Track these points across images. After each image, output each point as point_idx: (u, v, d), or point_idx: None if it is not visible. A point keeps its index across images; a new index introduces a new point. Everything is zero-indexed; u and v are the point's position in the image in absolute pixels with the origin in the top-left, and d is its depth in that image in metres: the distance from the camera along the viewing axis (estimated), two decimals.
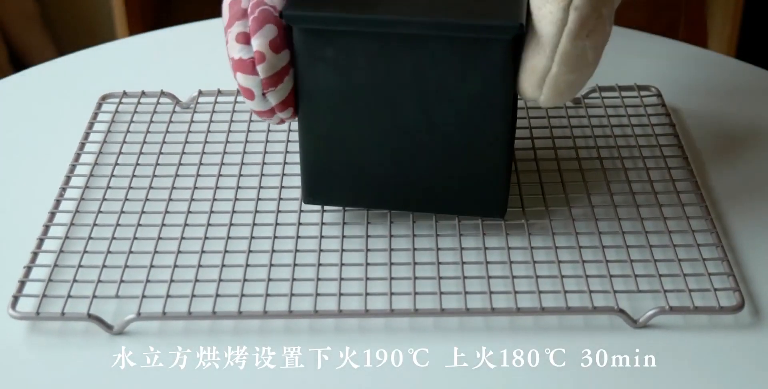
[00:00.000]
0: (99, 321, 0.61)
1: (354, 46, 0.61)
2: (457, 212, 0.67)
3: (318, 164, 0.66)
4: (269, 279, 0.63)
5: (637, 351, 0.60)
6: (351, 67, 0.62)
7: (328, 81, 0.63)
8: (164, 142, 0.76)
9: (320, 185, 0.67)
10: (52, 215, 0.69)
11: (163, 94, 0.81)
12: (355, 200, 0.67)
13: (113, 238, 0.67)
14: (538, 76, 0.61)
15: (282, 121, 0.65)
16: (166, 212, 0.69)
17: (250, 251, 0.65)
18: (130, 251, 0.65)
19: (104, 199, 0.70)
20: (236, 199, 0.70)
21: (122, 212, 0.69)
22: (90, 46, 0.92)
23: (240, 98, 0.81)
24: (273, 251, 0.65)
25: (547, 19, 0.59)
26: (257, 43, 0.61)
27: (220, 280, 0.63)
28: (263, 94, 0.62)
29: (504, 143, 0.64)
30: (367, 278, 0.63)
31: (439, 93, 0.62)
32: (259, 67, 0.61)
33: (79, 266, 0.64)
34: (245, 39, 0.61)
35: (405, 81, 0.62)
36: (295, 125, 0.78)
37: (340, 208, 0.69)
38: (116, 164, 0.74)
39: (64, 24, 1.84)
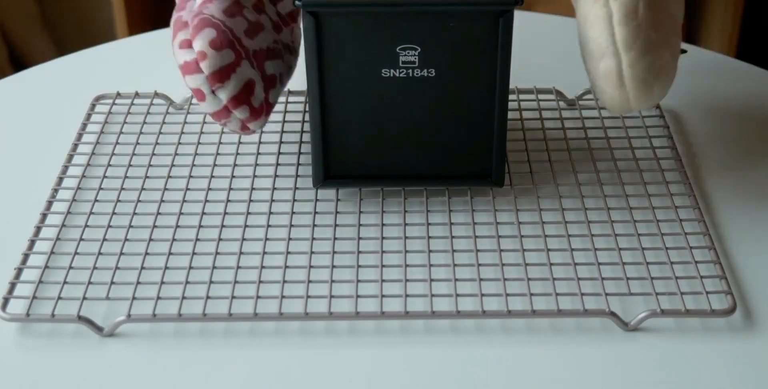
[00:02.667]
0: (89, 322, 0.61)
1: (364, 22, 0.64)
2: (458, 180, 0.70)
3: (334, 144, 0.68)
4: (260, 281, 0.63)
5: (629, 354, 0.59)
6: (363, 40, 0.64)
7: (346, 60, 0.65)
8: (157, 143, 0.76)
9: (334, 165, 0.69)
10: (44, 216, 0.69)
11: (156, 95, 0.81)
12: (367, 177, 0.70)
13: (104, 240, 0.67)
14: (615, 75, 0.61)
15: (244, 125, 0.66)
16: (158, 213, 0.69)
17: (241, 253, 0.65)
18: (121, 253, 0.65)
19: (96, 200, 0.70)
20: (228, 200, 0.70)
21: (114, 213, 0.69)
22: (90, 46, 0.92)
23: None
24: (264, 253, 0.65)
25: (595, 21, 0.61)
26: (198, 45, 0.63)
27: (211, 282, 0.63)
28: (212, 91, 0.63)
29: (496, 107, 0.67)
30: (358, 281, 0.63)
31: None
32: (203, 65, 0.63)
33: (70, 267, 0.64)
34: (188, 44, 0.64)
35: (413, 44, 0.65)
36: (287, 126, 0.78)
37: (332, 210, 0.69)
38: (108, 165, 0.74)
39: (64, 24, 1.84)
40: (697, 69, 0.86)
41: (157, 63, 0.88)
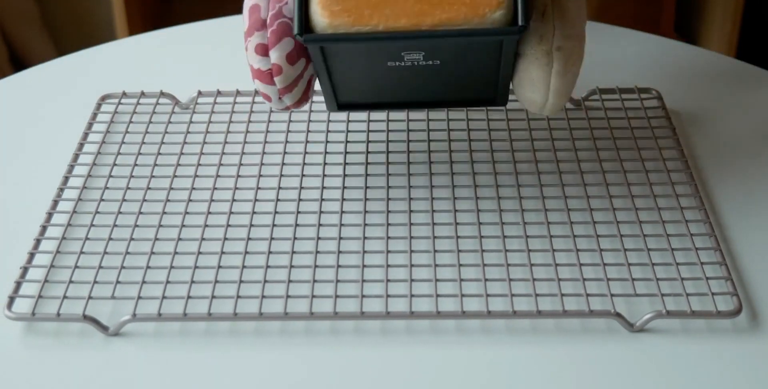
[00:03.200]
0: (95, 322, 0.61)
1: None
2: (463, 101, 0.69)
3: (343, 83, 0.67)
4: (265, 281, 0.63)
5: (634, 355, 0.59)
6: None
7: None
8: (163, 142, 0.76)
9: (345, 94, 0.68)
10: (50, 215, 0.69)
11: (162, 94, 0.81)
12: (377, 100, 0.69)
13: (110, 239, 0.67)
14: (537, 105, 0.66)
15: (292, 108, 0.68)
16: (163, 213, 0.69)
17: (246, 252, 0.65)
18: (127, 253, 0.65)
19: (102, 200, 0.70)
20: (233, 200, 0.70)
21: (119, 212, 0.69)
22: (90, 46, 0.92)
23: (239, 99, 0.81)
24: (269, 252, 0.65)
25: (535, 64, 0.64)
26: (275, 57, 0.64)
27: (216, 281, 0.63)
28: (279, 98, 0.66)
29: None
30: (364, 281, 0.63)
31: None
32: (277, 79, 0.65)
33: (76, 267, 0.64)
34: (264, 51, 0.64)
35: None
36: (294, 126, 0.78)
37: (338, 210, 0.69)
38: (114, 164, 0.74)
39: (64, 24, 1.84)
40: (697, 69, 0.86)
41: (162, 62, 0.88)
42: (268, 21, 0.64)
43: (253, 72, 0.65)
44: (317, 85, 0.81)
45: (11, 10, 1.75)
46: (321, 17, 0.62)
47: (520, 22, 0.61)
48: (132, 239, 0.67)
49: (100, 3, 1.80)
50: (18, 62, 1.78)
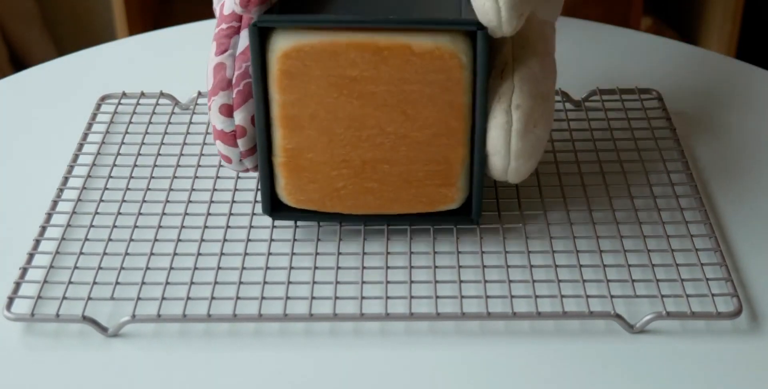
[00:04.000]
0: (94, 323, 0.61)
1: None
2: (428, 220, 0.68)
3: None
4: (265, 282, 0.63)
5: (634, 356, 0.59)
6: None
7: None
8: (162, 143, 0.76)
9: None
10: (49, 215, 0.69)
11: (162, 95, 0.81)
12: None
13: (109, 240, 0.66)
14: (500, 171, 0.64)
15: (248, 170, 0.67)
16: (163, 214, 0.69)
17: (246, 254, 0.65)
18: (126, 253, 0.65)
19: (101, 200, 0.70)
20: (233, 201, 0.70)
21: (119, 213, 0.69)
22: (90, 46, 0.92)
23: None
24: (269, 254, 0.65)
25: (493, 123, 0.62)
26: (240, 118, 0.63)
27: (216, 283, 0.63)
28: (240, 160, 0.65)
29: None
30: (363, 282, 0.63)
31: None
32: (240, 141, 0.64)
33: (75, 267, 0.64)
34: (228, 111, 0.63)
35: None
36: None
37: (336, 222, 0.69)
38: (114, 165, 0.74)
39: (64, 24, 1.84)
40: (697, 69, 0.86)
41: (162, 63, 0.88)
42: (234, 80, 0.63)
43: (216, 133, 0.64)
44: None
45: (11, 10, 1.75)
46: (287, 200, 0.66)
47: (473, 216, 0.66)
48: (131, 240, 0.66)
49: (100, 3, 1.80)
50: (18, 62, 1.77)
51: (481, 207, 0.66)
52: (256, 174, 0.73)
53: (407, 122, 0.63)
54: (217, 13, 0.67)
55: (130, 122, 0.78)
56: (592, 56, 0.87)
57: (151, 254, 0.65)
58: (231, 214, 0.69)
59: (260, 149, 0.64)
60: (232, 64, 0.63)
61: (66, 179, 0.72)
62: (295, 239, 0.67)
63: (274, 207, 0.67)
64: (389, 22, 0.60)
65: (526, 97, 0.62)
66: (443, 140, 0.63)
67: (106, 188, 0.71)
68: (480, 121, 0.63)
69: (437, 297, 0.62)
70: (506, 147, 0.62)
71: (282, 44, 0.61)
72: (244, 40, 0.64)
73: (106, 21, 1.81)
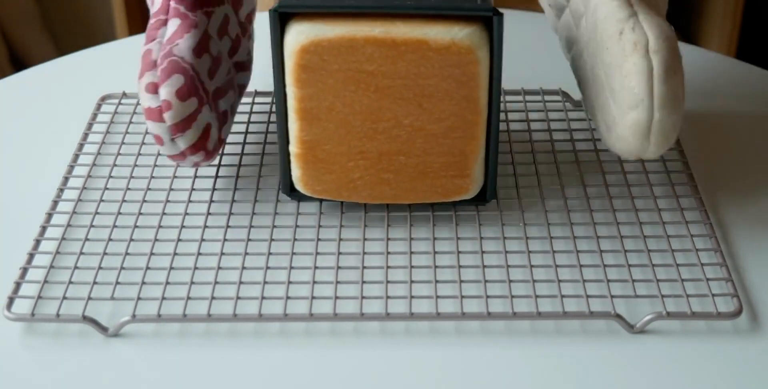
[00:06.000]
0: (94, 322, 0.61)
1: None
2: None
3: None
4: (265, 282, 0.63)
5: (634, 356, 0.59)
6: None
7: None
8: None
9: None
10: (49, 216, 0.69)
11: None
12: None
13: (109, 240, 0.66)
14: (643, 127, 0.61)
15: (196, 164, 0.66)
16: (163, 214, 0.69)
17: (246, 253, 0.65)
18: (126, 253, 0.65)
19: (101, 200, 0.70)
20: (233, 201, 0.70)
21: (119, 213, 0.69)
22: (90, 46, 0.92)
23: (244, 99, 0.81)
24: (269, 253, 0.65)
25: (634, 71, 0.60)
26: (165, 92, 0.63)
27: (216, 283, 0.63)
28: (172, 139, 0.64)
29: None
30: (363, 282, 0.63)
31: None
32: (166, 115, 0.63)
33: (75, 267, 0.64)
34: (154, 89, 0.64)
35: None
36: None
37: (337, 212, 0.69)
38: (114, 165, 0.74)
39: (64, 24, 1.84)
40: (697, 69, 0.86)
41: None
42: (158, 60, 0.64)
43: (145, 112, 0.64)
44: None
45: (11, 10, 1.75)
46: (303, 190, 0.67)
47: (488, 198, 0.68)
48: (132, 240, 0.66)
49: (100, 3, 1.80)
50: (18, 62, 1.78)
51: (496, 189, 0.67)
52: (251, 172, 0.73)
53: (423, 115, 0.63)
54: (150, 6, 0.68)
55: (131, 122, 0.78)
56: None
57: (152, 254, 0.65)
58: (231, 214, 0.69)
59: (279, 137, 0.66)
60: (157, 49, 0.65)
61: (66, 179, 0.72)
62: (295, 239, 0.67)
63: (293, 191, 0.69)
64: (405, 8, 0.61)
65: (663, 43, 0.61)
66: (459, 133, 0.64)
67: (106, 188, 0.71)
68: (495, 112, 0.64)
69: (437, 297, 0.62)
70: (649, 94, 0.60)
71: (300, 38, 0.62)
72: (171, 27, 0.66)
73: (106, 21, 1.81)
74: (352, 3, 0.62)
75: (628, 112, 0.61)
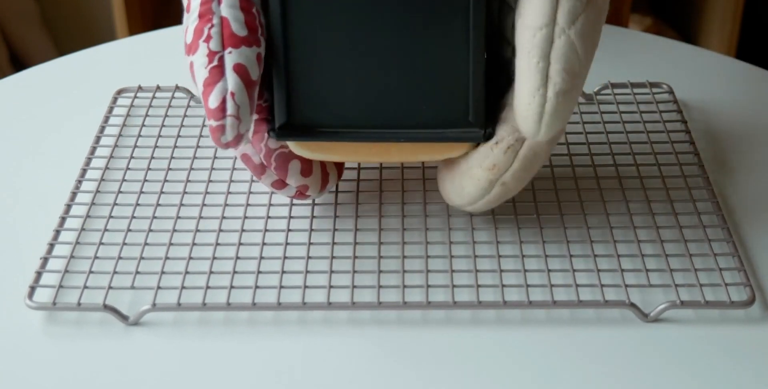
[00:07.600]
0: (115, 311, 0.61)
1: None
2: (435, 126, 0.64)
3: (298, 92, 0.63)
4: (283, 272, 0.63)
5: (648, 344, 0.60)
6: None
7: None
8: (179, 135, 0.76)
9: (298, 115, 0.64)
10: (68, 207, 0.69)
11: (177, 88, 0.82)
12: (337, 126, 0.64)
13: (128, 230, 0.67)
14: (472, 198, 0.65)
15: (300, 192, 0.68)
16: (181, 204, 0.69)
17: (264, 243, 0.66)
18: (146, 243, 0.66)
19: (119, 192, 0.71)
20: (250, 192, 0.70)
21: (137, 204, 0.69)
22: (90, 46, 0.93)
23: None
24: (287, 243, 0.66)
25: (473, 180, 0.63)
26: (293, 181, 0.66)
27: (235, 272, 0.64)
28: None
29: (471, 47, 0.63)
30: (380, 271, 0.64)
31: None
32: (282, 192, 0.67)
33: (95, 257, 0.65)
34: (281, 185, 0.66)
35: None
36: None
37: (353, 201, 0.70)
38: (131, 157, 0.74)
39: (64, 24, 1.84)
40: (697, 69, 0.87)
41: (162, 63, 0.89)
42: (270, 161, 0.65)
43: (277, 188, 0.67)
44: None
45: (11, 10, 1.75)
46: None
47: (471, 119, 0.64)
48: (150, 230, 0.67)
49: (100, 3, 1.80)
50: (18, 62, 1.78)
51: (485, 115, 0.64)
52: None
53: None
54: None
55: (147, 115, 0.79)
56: (599, 53, 0.88)
57: (170, 244, 0.66)
58: (248, 205, 0.69)
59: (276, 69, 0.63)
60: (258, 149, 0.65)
61: (84, 171, 0.73)
62: (312, 230, 0.67)
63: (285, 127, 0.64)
64: (399, 138, 0.63)
65: (515, 182, 0.63)
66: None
67: (124, 180, 0.72)
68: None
69: (453, 286, 0.62)
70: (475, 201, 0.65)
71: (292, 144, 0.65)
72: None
73: (106, 21, 1.82)
74: (350, 133, 0.63)
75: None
